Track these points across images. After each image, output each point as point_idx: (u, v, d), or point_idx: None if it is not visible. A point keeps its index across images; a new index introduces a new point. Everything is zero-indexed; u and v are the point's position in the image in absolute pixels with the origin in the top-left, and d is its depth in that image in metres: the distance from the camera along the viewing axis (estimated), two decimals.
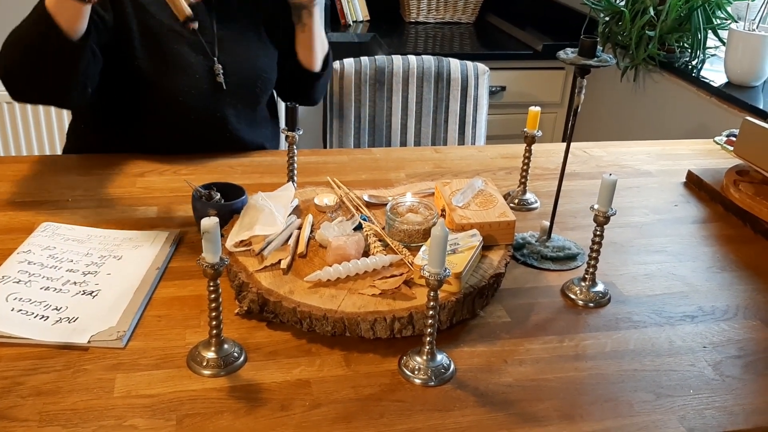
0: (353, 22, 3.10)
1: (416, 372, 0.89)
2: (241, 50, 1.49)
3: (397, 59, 1.98)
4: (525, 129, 1.29)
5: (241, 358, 0.90)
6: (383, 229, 1.12)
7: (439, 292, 0.85)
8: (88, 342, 0.91)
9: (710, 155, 1.66)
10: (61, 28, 1.18)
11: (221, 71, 1.44)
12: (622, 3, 2.46)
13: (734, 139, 1.64)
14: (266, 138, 1.61)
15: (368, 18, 3.14)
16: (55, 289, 1.01)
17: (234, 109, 1.49)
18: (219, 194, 1.17)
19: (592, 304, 1.06)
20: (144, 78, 1.38)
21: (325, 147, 2.04)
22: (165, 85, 1.40)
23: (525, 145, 1.31)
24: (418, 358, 0.90)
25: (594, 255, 1.05)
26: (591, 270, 1.07)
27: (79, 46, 1.22)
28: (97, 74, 1.32)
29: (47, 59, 1.20)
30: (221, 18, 1.46)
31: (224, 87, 1.45)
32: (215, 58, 1.44)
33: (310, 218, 1.14)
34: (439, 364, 0.90)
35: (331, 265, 1.01)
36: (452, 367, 0.91)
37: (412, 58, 1.99)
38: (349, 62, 1.93)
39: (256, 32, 1.52)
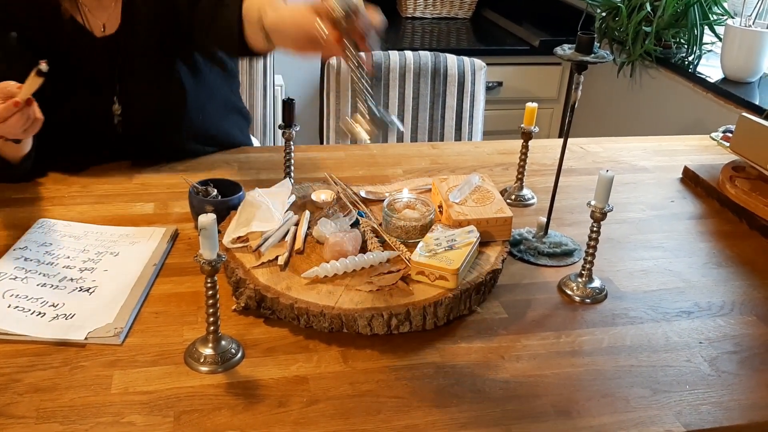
0: None
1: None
2: (141, 88, 1.34)
3: (394, 55, 1.97)
4: (522, 125, 1.29)
5: (239, 355, 0.90)
6: (380, 225, 1.12)
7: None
8: (85, 339, 0.91)
9: (706, 151, 1.66)
10: (8, 161, 1.23)
11: (119, 112, 1.33)
12: None
13: (730, 135, 1.64)
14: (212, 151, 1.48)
15: None
16: (52, 285, 1.00)
17: (152, 145, 1.39)
18: (216, 190, 1.17)
19: (588, 300, 1.06)
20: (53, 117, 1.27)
21: (321, 143, 2.04)
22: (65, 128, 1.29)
23: (522, 141, 1.31)
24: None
25: (591, 251, 1.05)
26: (588, 266, 1.07)
27: (25, 163, 1.25)
28: (46, 155, 1.31)
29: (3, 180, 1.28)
30: (123, 54, 1.31)
31: (119, 131, 1.35)
32: (114, 98, 1.32)
33: (307, 214, 1.14)
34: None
35: (328, 262, 1.01)
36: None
37: (408, 53, 1.99)
38: None
39: (167, 65, 1.35)
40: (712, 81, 2.15)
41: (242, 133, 1.59)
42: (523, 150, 1.32)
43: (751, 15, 2.06)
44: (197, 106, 1.40)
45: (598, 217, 1.01)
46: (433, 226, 1.09)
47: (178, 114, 1.38)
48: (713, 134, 1.73)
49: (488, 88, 2.65)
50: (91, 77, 1.31)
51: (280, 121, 1.27)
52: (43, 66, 1.03)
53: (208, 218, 0.80)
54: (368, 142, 1.00)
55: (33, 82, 1.05)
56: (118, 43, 1.31)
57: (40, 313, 0.94)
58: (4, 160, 1.23)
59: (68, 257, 1.07)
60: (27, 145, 1.22)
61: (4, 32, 1.24)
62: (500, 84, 2.81)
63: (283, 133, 1.24)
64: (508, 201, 1.33)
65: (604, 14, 2.54)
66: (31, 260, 1.05)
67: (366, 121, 0.98)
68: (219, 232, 0.99)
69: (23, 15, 1.26)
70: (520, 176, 1.35)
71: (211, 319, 0.88)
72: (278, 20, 1.05)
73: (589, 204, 1.01)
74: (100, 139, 1.36)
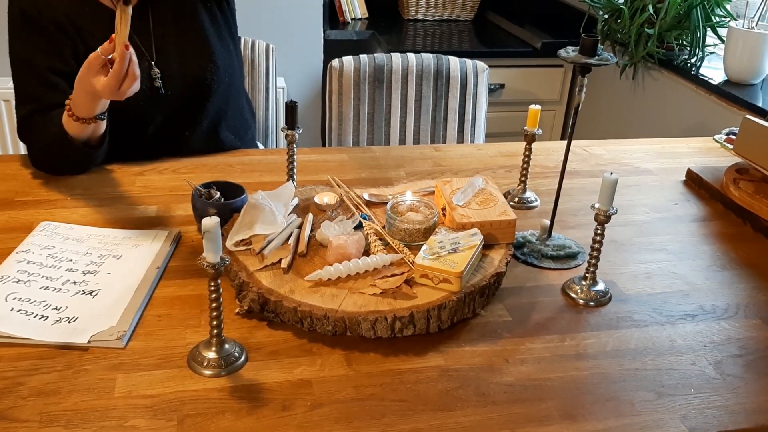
0: (352, 19, 3.10)
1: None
2: (180, 52, 1.41)
3: (396, 57, 1.97)
4: (525, 127, 1.28)
5: (242, 358, 0.90)
6: (384, 228, 1.12)
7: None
8: (89, 342, 0.91)
9: (710, 153, 1.65)
10: (88, 143, 1.30)
11: (159, 75, 1.38)
12: (622, 1, 2.46)
13: (734, 137, 1.63)
14: (230, 143, 1.54)
15: (367, 16, 3.14)
16: (55, 288, 1.00)
17: (182, 115, 1.44)
18: (219, 193, 1.17)
19: (592, 303, 1.06)
20: None
21: (324, 145, 2.04)
22: None
23: (525, 143, 1.31)
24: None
25: (595, 254, 1.05)
26: (592, 269, 1.07)
27: (101, 145, 1.33)
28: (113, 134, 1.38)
29: (77, 165, 1.35)
30: (158, 19, 1.40)
31: (161, 92, 1.39)
32: (152, 63, 1.38)
33: (310, 217, 1.14)
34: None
35: (331, 264, 1.01)
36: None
37: (411, 55, 1.98)
38: (348, 60, 1.93)
39: (198, 32, 1.44)
40: (714, 83, 2.15)
41: (250, 135, 1.62)
42: (526, 152, 1.32)
43: (753, 17, 2.05)
44: (224, 69, 1.47)
45: (602, 219, 1.01)
46: (436, 229, 1.09)
47: (210, 72, 1.44)
48: (716, 136, 1.73)
49: (490, 90, 2.65)
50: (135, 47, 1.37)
51: (282, 123, 1.27)
52: None
53: (211, 221, 0.79)
54: None
55: (123, 18, 1.07)
56: (142, 13, 1.37)
57: (43, 317, 0.94)
58: (87, 148, 1.29)
59: (71, 260, 1.07)
60: (104, 123, 1.28)
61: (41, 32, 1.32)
62: (502, 86, 2.81)
63: (286, 136, 1.24)
64: (512, 203, 1.33)
65: (606, 16, 2.54)
66: (33, 263, 1.05)
67: None
68: (222, 235, 0.98)
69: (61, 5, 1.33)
70: (523, 179, 1.35)
71: (215, 322, 0.87)
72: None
73: (592, 206, 1.01)
74: (149, 101, 1.40)
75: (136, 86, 1.15)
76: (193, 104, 1.45)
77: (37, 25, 1.31)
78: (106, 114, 1.26)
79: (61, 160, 1.33)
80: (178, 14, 1.42)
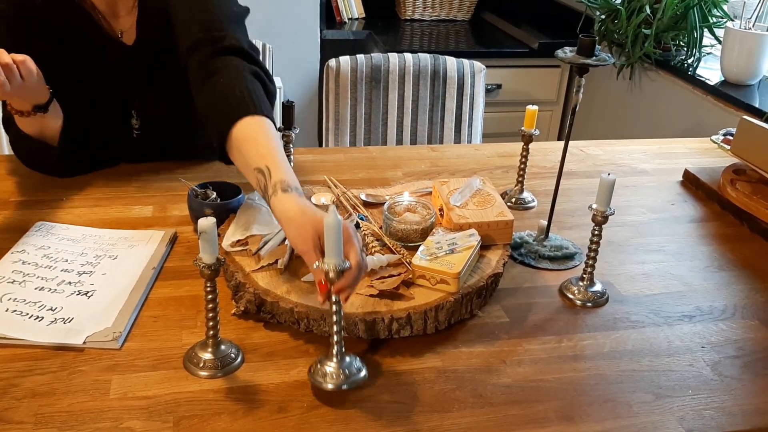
0: (348, 19, 3.10)
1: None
2: (159, 103, 1.36)
3: (393, 57, 1.97)
4: (522, 128, 1.28)
5: (238, 359, 0.90)
6: (381, 228, 1.12)
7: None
8: (84, 343, 0.90)
9: (707, 154, 1.66)
10: (44, 141, 1.27)
11: (137, 125, 1.37)
12: (618, 1, 2.46)
13: (731, 137, 1.64)
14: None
15: (363, 15, 3.14)
16: (50, 289, 1.00)
17: (173, 144, 1.43)
18: (215, 193, 1.16)
19: (590, 304, 1.06)
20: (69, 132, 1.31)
21: (320, 145, 2.03)
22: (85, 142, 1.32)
23: (522, 143, 1.30)
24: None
25: (592, 254, 1.05)
26: (589, 269, 1.06)
27: (59, 145, 1.29)
28: (81, 144, 1.33)
29: (44, 162, 1.32)
30: (140, 67, 1.33)
31: (139, 142, 1.38)
32: (133, 111, 1.36)
33: None
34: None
35: None
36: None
37: (408, 55, 1.98)
38: (344, 60, 1.93)
39: (175, 81, 1.32)
40: (711, 84, 2.15)
41: None
42: (524, 153, 1.31)
43: (750, 18, 2.05)
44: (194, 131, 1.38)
45: (600, 220, 1.01)
46: (433, 230, 1.09)
47: (193, 130, 1.36)
48: (714, 137, 1.73)
49: (487, 91, 2.65)
50: (111, 92, 1.34)
51: (279, 123, 1.26)
52: None
53: (208, 222, 0.79)
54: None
55: None
56: (133, 55, 1.32)
57: (38, 317, 0.94)
58: (46, 145, 1.27)
59: (66, 261, 1.06)
60: (56, 114, 1.25)
61: (39, 40, 1.27)
62: (499, 86, 2.81)
63: (283, 136, 1.23)
64: (509, 204, 1.33)
65: (603, 17, 2.54)
66: (29, 263, 1.05)
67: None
68: (218, 235, 0.98)
69: (53, 19, 1.27)
70: (520, 179, 1.35)
71: (211, 323, 0.87)
72: (280, 215, 0.94)
73: (590, 207, 1.01)
74: (122, 148, 1.39)
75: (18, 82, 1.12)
76: (182, 141, 1.43)
77: (10, 23, 1.26)
78: (47, 108, 1.21)
79: (28, 157, 1.32)
80: (161, 62, 1.34)
